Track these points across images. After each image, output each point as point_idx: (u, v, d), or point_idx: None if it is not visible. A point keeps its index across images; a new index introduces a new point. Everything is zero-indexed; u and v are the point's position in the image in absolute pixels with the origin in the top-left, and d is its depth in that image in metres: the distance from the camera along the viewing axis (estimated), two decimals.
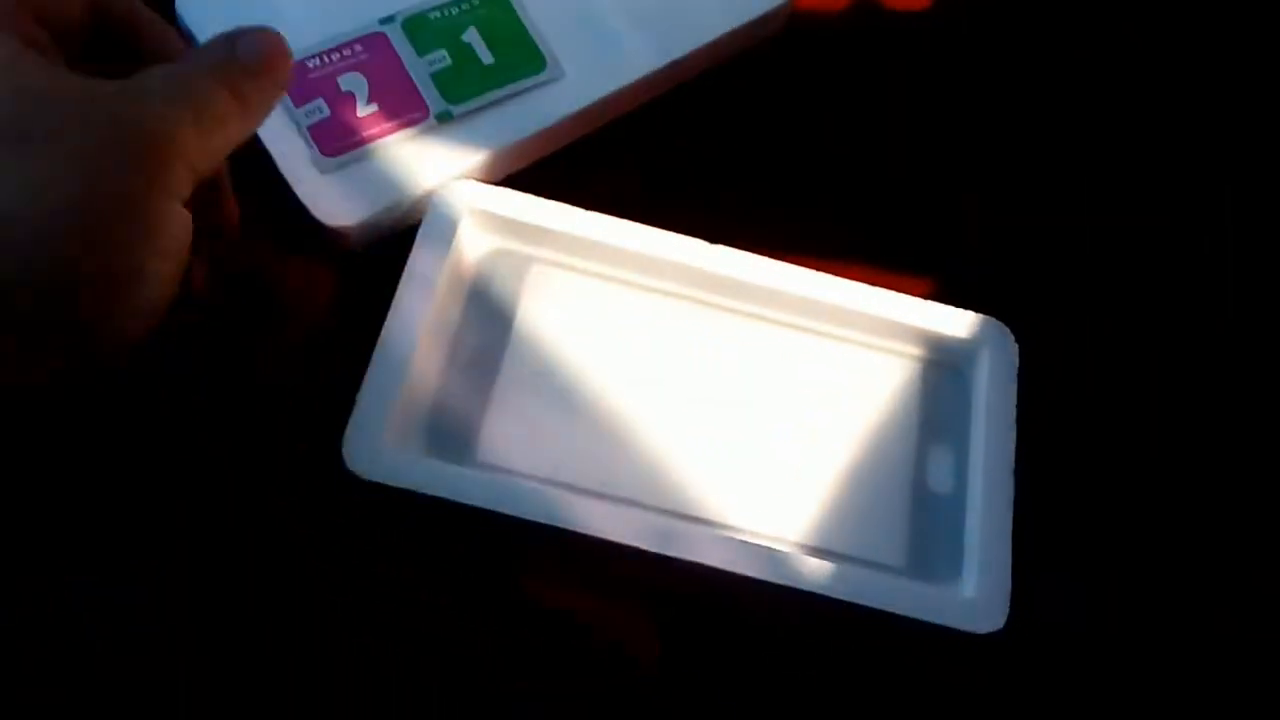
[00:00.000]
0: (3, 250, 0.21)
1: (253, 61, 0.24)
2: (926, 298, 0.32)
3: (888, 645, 0.29)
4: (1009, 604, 0.28)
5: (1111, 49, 0.40)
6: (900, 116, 0.39)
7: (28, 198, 0.21)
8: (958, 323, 0.32)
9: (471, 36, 0.35)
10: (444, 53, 0.34)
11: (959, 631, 0.28)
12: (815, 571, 0.28)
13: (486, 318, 0.32)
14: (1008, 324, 0.32)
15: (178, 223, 0.23)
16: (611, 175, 0.35)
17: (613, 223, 0.32)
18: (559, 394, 0.31)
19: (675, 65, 0.36)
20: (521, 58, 0.35)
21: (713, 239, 0.32)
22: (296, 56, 0.25)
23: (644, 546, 0.28)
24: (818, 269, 0.32)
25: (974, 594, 0.28)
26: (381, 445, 0.28)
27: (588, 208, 0.32)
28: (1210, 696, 0.30)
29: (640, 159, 0.36)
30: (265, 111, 0.25)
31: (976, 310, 0.32)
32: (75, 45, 0.25)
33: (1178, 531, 0.32)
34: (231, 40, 0.24)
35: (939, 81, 0.39)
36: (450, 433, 0.30)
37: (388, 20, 0.34)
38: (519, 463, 0.30)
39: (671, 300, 0.33)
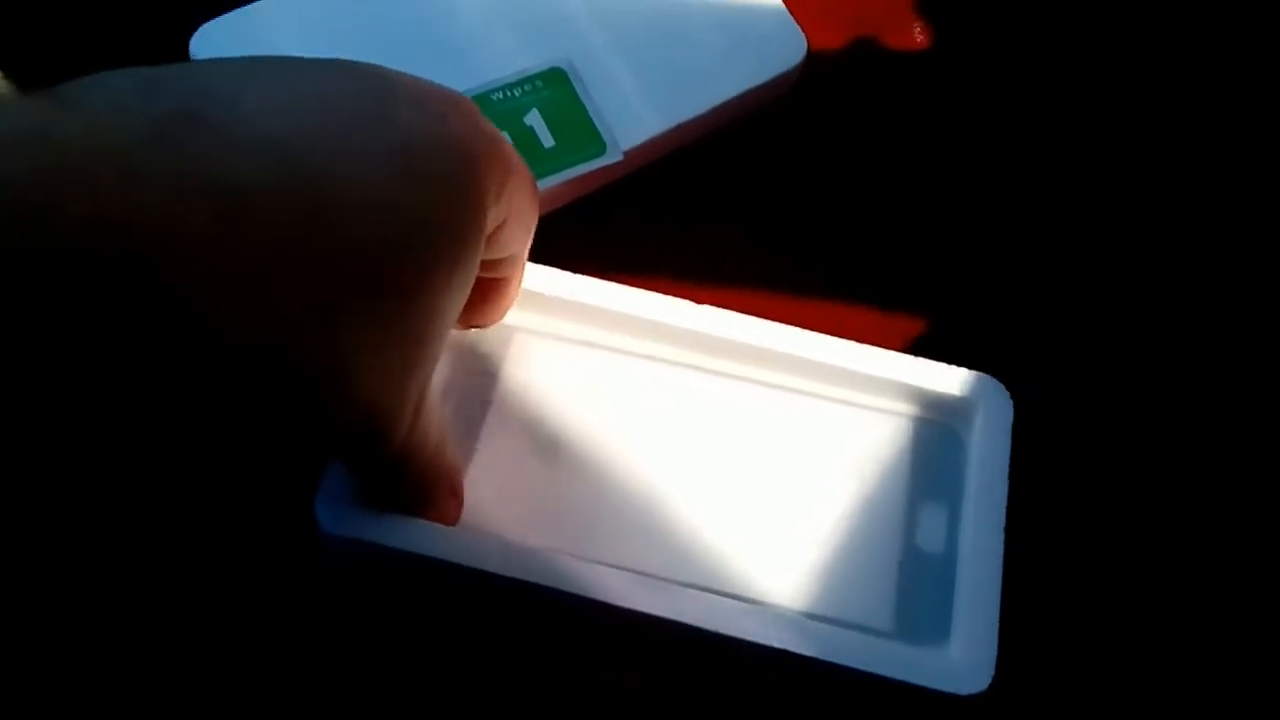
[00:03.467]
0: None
1: None
2: (920, 345, 0.33)
3: (869, 702, 0.29)
4: (994, 666, 0.28)
5: (1113, 74, 0.41)
6: (901, 158, 0.39)
7: None
8: (952, 380, 0.32)
9: (534, 119, 0.34)
10: (506, 135, 0.33)
11: (943, 693, 0.28)
12: (797, 631, 0.28)
13: (469, 380, 0.31)
14: (1000, 375, 0.32)
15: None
16: (599, 230, 0.35)
17: (593, 284, 0.31)
18: (540, 459, 0.30)
19: (680, 129, 0.36)
20: (582, 141, 0.34)
21: (697, 294, 0.32)
22: None
23: (624, 604, 0.27)
24: (808, 319, 0.32)
25: (959, 655, 0.28)
26: (353, 503, 0.28)
27: (569, 268, 0.31)
28: None
29: (621, 213, 0.36)
30: None
31: (969, 359, 0.32)
32: None
33: (1170, 584, 0.32)
34: None
35: (939, 123, 0.40)
36: None
37: None
38: (499, 527, 0.29)
39: (654, 362, 0.32)
